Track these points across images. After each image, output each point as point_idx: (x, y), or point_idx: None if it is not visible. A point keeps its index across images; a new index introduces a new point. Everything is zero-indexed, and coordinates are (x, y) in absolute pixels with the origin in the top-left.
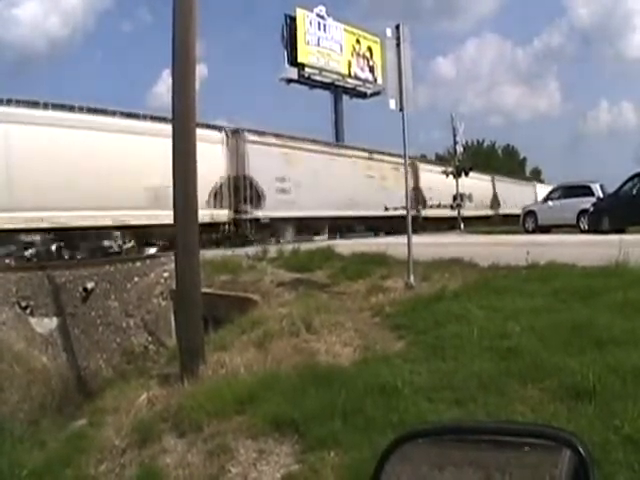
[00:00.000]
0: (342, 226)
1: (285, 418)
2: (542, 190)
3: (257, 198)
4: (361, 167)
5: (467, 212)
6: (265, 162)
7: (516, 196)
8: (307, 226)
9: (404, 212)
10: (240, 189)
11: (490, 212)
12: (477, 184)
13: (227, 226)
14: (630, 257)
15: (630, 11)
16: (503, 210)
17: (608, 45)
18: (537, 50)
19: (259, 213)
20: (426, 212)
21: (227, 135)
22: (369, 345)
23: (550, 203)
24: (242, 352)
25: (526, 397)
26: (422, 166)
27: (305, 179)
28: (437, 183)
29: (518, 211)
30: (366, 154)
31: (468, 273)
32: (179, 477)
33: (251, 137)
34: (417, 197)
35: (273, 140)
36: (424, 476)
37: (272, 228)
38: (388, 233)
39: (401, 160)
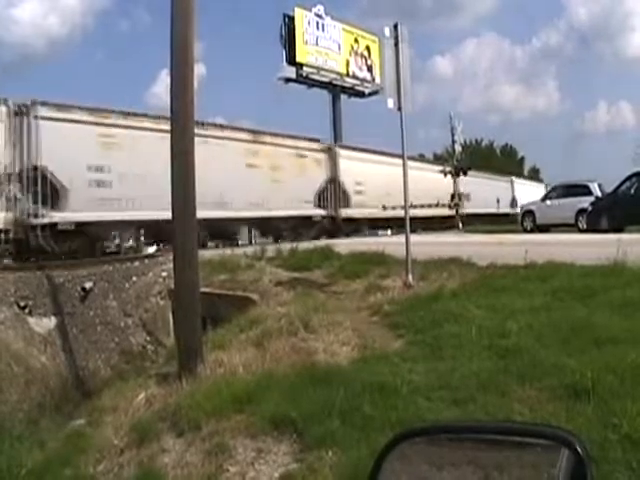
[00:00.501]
0: (222, 231)
1: (283, 417)
2: (521, 187)
3: (54, 195)
4: (239, 153)
5: (416, 212)
6: (70, 145)
7: (487, 193)
8: (156, 231)
9: (310, 212)
10: (30, 183)
11: (449, 212)
12: (434, 179)
13: (4, 235)
14: (628, 256)
15: (629, 11)
16: (470, 209)
17: (607, 45)
18: (535, 49)
19: (59, 216)
20: (349, 212)
21: (10, 111)
22: (367, 344)
23: (548, 202)
24: (240, 351)
25: (525, 396)
26: (343, 153)
27: (142, 169)
28: (377, 177)
29: (489, 210)
30: (249, 136)
31: (466, 272)
32: (177, 476)
33: (48, 112)
34: (335, 192)
35: (85, 116)
36: (422, 475)
37: (88, 236)
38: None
39: (310, 145)
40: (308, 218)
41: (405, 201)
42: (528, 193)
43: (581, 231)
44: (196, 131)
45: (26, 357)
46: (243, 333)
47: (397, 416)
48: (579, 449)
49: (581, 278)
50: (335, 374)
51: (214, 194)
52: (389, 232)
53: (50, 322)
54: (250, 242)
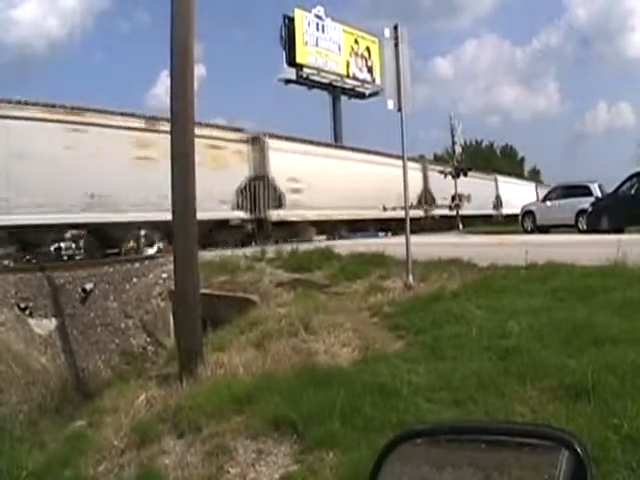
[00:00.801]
0: (109, 237)
1: (284, 418)
2: (506, 185)
3: None
4: (126, 144)
5: (370, 213)
6: None
7: (467, 192)
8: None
9: (225, 215)
10: None
11: (418, 213)
12: (395, 175)
13: None
14: (628, 257)
15: (629, 11)
16: (441, 210)
17: (607, 45)
18: (536, 50)
19: None
20: (282, 214)
21: None
22: (368, 345)
23: (549, 203)
24: (241, 352)
25: (525, 397)
26: (274, 144)
27: None
28: (322, 173)
29: (469, 211)
30: (141, 124)
31: (467, 273)
32: (178, 478)
33: None
34: (263, 190)
35: None
36: (423, 476)
37: None
38: (205, 246)
39: (229, 134)
40: (224, 222)
41: (405, 202)
42: (515, 193)
43: (581, 232)
44: (70, 118)
45: (26, 358)
46: (243, 334)
47: (398, 417)
48: (579, 450)
49: (581, 279)
50: (335, 375)
51: (90, 194)
52: (385, 234)
53: (50, 323)
54: (137, 250)
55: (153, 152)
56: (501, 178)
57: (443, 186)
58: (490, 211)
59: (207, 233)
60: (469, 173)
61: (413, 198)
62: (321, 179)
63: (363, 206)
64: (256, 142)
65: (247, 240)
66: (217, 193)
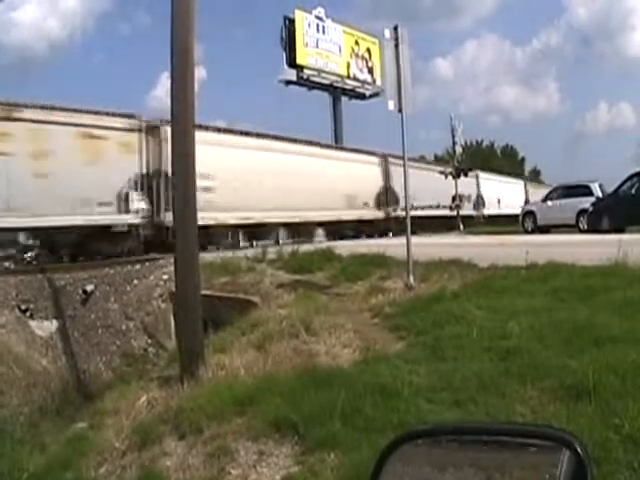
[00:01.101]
0: None
1: (285, 419)
2: (490, 183)
3: None
4: None
5: (319, 214)
6: None
7: (437, 190)
8: None
9: (108, 219)
10: None
11: (375, 214)
12: (343, 172)
13: None
14: (629, 256)
15: (629, 10)
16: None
17: (607, 44)
18: (536, 50)
19: None
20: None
21: None
22: (369, 346)
23: (549, 203)
24: (242, 354)
25: (526, 397)
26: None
27: None
28: (241, 168)
29: (442, 212)
30: None
31: (467, 273)
32: (179, 479)
33: None
34: (159, 190)
35: None
36: (424, 477)
37: None
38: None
39: (112, 122)
40: (106, 228)
41: (406, 201)
42: (500, 191)
43: (582, 232)
44: None
45: (27, 360)
46: (244, 336)
47: (399, 418)
48: (580, 450)
49: (582, 279)
50: (336, 376)
51: None
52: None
53: (51, 325)
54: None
55: (9, 145)
56: (483, 175)
57: (414, 184)
58: (470, 211)
59: (78, 242)
60: (426, 166)
61: (368, 197)
62: (244, 175)
63: (303, 207)
64: (153, 132)
65: (140, 249)
66: (94, 193)
